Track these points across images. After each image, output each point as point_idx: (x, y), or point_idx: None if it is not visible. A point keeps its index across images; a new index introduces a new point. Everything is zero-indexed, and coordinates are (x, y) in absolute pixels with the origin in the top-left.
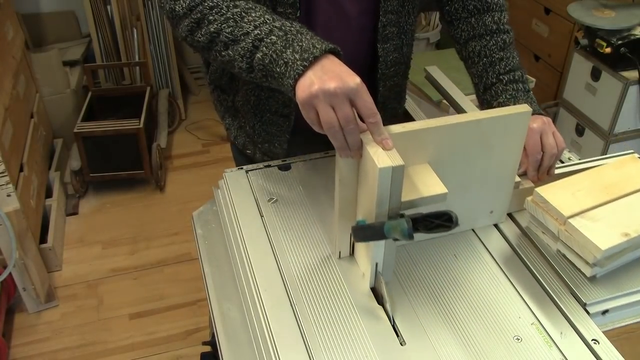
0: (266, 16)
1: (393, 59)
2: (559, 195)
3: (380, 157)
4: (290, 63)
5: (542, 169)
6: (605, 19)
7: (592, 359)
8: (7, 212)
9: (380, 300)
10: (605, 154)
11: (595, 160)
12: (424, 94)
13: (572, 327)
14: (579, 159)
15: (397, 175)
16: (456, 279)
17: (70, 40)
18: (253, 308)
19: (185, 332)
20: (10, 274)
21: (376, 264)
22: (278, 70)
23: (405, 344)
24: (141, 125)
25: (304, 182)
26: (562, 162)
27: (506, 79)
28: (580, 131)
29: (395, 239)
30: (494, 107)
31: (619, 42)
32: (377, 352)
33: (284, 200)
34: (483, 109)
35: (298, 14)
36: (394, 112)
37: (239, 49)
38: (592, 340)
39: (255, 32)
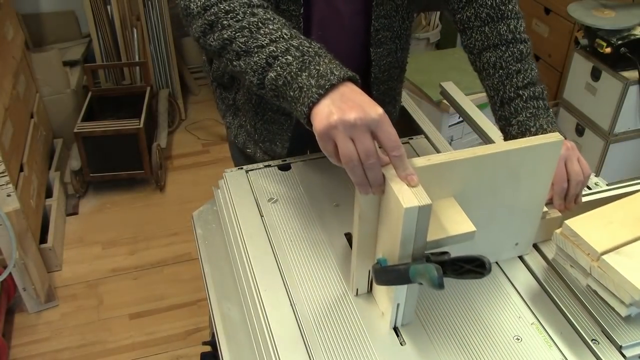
0: (284, 30)
1: (387, 64)
2: (590, 228)
3: (406, 196)
4: (305, 89)
5: (569, 198)
6: (605, 19)
7: (592, 359)
8: (7, 212)
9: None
10: (606, 154)
11: (624, 187)
12: (424, 94)
13: (572, 327)
14: (607, 184)
15: (424, 214)
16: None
17: (70, 40)
18: (253, 308)
19: (185, 332)
20: (10, 274)
21: (397, 305)
22: (291, 94)
23: (405, 344)
24: (141, 125)
25: (304, 182)
26: (590, 188)
27: (526, 95)
28: (580, 131)
29: (421, 283)
30: (513, 125)
31: (619, 42)
32: (377, 352)
33: (284, 200)
34: (502, 125)
35: (302, 10)
36: (389, 116)
37: (252, 62)
38: (592, 340)
39: (271, 47)
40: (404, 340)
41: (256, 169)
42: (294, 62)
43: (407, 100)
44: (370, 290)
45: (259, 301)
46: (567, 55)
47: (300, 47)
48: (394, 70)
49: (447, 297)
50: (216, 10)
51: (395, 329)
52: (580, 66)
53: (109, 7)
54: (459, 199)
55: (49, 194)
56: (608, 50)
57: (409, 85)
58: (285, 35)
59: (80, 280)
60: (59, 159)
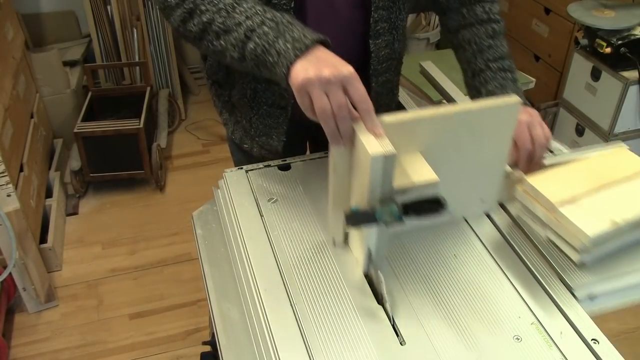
0: (257, 7)
1: (385, 55)
2: (548, 183)
3: (373, 145)
4: (283, 52)
5: (534, 161)
6: (605, 19)
7: (592, 359)
8: (7, 212)
9: (380, 300)
10: None
11: (586, 152)
12: (424, 93)
13: (572, 327)
14: (571, 151)
15: (389, 162)
16: (448, 265)
17: (70, 40)
18: (253, 308)
19: (185, 332)
20: (10, 274)
21: (369, 250)
22: (270, 59)
23: (405, 343)
24: (141, 125)
25: (304, 182)
26: (552, 152)
27: (495, 66)
28: (580, 131)
29: (387, 223)
30: (483, 95)
31: (619, 42)
32: (377, 352)
33: (284, 200)
34: (472, 95)
35: (292, 5)
36: (387, 108)
37: (231, 39)
38: (592, 340)
39: (247, 22)
40: (404, 340)
41: (256, 168)
42: (270, 32)
43: (408, 101)
44: (346, 241)
45: (259, 301)
46: (567, 55)
47: (274, 19)
48: (391, 62)
49: (447, 297)
50: None
51: (395, 329)
52: (580, 66)
53: (109, 7)
54: (425, 156)
55: (49, 194)
56: (608, 50)
57: (409, 85)
58: (259, 11)
59: (80, 280)
60: (59, 159)
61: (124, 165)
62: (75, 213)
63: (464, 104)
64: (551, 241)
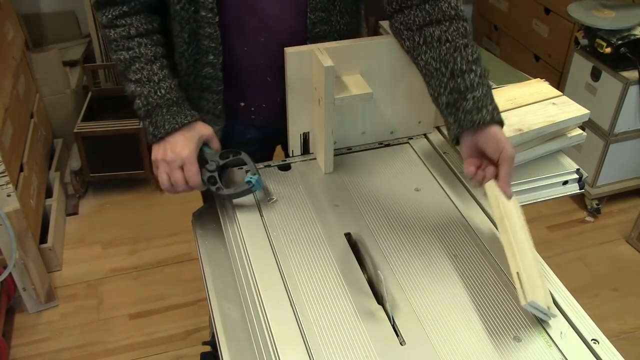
0: (144, 72)
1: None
2: None
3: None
4: (149, 131)
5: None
6: (605, 19)
7: (592, 359)
8: (7, 212)
9: (380, 300)
10: (606, 154)
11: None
12: None
13: (572, 327)
14: (498, 86)
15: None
16: (448, 265)
17: (70, 40)
18: (253, 308)
19: (185, 332)
20: (10, 274)
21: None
22: (146, 128)
23: (405, 344)
24: (141, 125)
25: (304, 182)
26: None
27: (480, 71)
28: None
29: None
30: (468, 100)
31: (619, 42)
32: (377, 352)
33: (284, 200)
34: (449, 99)
35: (217, 19)
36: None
37: (127, 88)
38: (592, 340)
39: (132, 87)
40: (404, 340)
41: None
42: (142, 109)
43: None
44: (303, 152)
45: (259, 301)
46: (567, 55)
47: (149, 97)
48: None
49: (447, 297)
50: (108, 32)
51: (395, 329)
52: (580, 66)
53: None
54: (366, 78)
55: (49, 194)
56: (608, 50)
57: None
58: (142, 79)
59: (80, 280)
60: (59, 159)
61: (124, 165)
62: (75, 213)
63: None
64: None
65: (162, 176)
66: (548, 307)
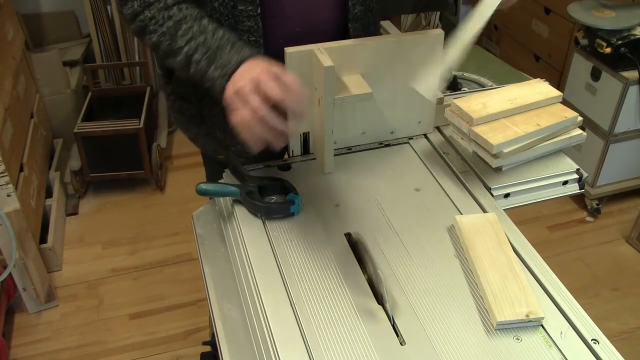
0: (194, 28)
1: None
2: (470, 103)
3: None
4: (216, 80)
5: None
6: (605, 19)
7: (592, 359)
8: (7, 212)
9: (380, 300)
10: (606, 154)
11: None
12: None
13: (572, 327)
14: (498, 86)
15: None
16: (448, 266)
17: (70, 40)
18: (253, 308)
19: (185, 332)
20: (10, 274)
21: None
22: (208, 84)
23: (405, 343)
24: (141, 125)
25: (304, 182)
26: (483, 87)
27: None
28: None
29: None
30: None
31: (619, 42)
32: (377, 352)
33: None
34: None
35: (259, 11)
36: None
37: (176, 62)
38: (592, 340)
39: (186, 48)
40: (404, 340)
41: (256, 169)
42: (203, 58)
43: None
44: (304, 152)
45: (259, 301)
46: (567, 55)
47: (207, 43)
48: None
49: (447, 297)
50: (142, 17)
51: (395, 329)
52: (580, 66)
53: (109, 7)
54: (366, 79)
55: (49, 194)
56: (608, 50)
57: None
58: (195, 34)
59: (80, 280)
60: (59, 159)
61: (123, 165)
62: (75, 213)
63: (394, 34)
64: (476, 153)
65: (243, 113)
66: (527, 315)
